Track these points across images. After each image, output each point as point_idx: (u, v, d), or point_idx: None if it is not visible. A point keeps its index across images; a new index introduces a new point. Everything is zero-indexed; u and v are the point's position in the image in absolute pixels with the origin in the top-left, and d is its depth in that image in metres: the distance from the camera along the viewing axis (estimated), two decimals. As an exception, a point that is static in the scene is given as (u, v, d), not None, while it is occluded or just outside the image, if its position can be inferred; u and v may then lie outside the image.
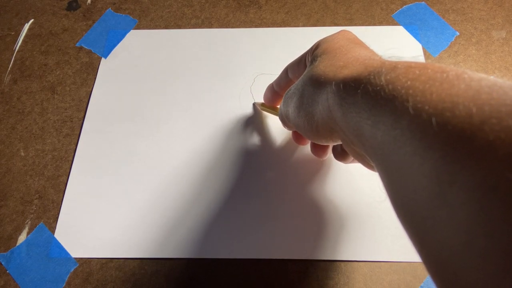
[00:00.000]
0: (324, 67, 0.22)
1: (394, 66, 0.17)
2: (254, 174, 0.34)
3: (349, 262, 0.30)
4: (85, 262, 0.31)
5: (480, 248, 0.11)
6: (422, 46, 0.39)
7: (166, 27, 0.42)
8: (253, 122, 0.36)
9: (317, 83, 0.22)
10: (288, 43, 0.40)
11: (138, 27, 0.43)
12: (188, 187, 0.34)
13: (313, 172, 0.34)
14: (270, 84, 0.33)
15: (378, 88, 0.17)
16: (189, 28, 0.42)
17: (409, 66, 0.16)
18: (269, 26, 0.42)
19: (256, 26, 0.42)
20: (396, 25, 0.41)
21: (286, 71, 0.30)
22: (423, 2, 0.42)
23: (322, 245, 0.31)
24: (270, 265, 0.31)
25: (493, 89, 0.13)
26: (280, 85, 0.31)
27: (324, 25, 0.41)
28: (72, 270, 0.31)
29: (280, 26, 0.41)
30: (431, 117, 0.14)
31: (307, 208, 0.32)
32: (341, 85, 0.19)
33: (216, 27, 0.42)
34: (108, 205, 0.33)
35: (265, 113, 0.36)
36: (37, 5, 0.45)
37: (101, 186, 0.34)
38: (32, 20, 0.44)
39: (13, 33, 0.44)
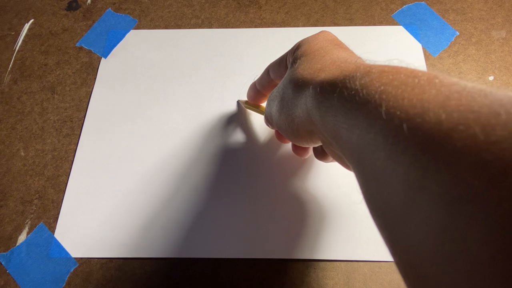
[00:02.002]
0: (302, 70, 0.23)
1: (368, 71, 0.17)
2: (256, 175, 0.34)
3: (349, 262, 0.30)
4: (85, 262, 0.31)
5: (449, 254, 0.11)
6: (422, 46, 0.39)
7: (166, 27, 0.42)
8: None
9: (296, 86, 0.22)
10: (288, 43, 0.40)
11: (138, 27, 0.43)
12: (188, 187, 0.34)
13: (311, 173, 0.33)
14: (252, 83, 0.33)
15: (353, 92, 0.17)
16: (189, 28, 0.42)
17: (383, 71, 0.16)
18: (269, 26, 0.42)
19: (256, 26, 0.42)
20: (396, 25, 0.41)
21: (267, 70, 0.30)
22: (423, 2, 0.42)
23: (322, 245, 0.31)
24: (270, 265, 0.31)
25: (462, 94, 0.13)
26: (262, 84, 0.32)
27: (324, 25, 0.41)
28: (72, 270, 0.31)
29: (280, 26, 0.41)
30: (403, 122, 0.14)
31: (306, 208, 0.32)
32: (318, 89, 0.20)
33: (216, 27, 0.42)
34: (108, 205, 0.33)
35: (248, 110, 0.37)
36: (37, 5, 0.45)
37: (101, 186, 0.34)
38: (32, 20, 0.44)
39: (13, 33, 0.44)
